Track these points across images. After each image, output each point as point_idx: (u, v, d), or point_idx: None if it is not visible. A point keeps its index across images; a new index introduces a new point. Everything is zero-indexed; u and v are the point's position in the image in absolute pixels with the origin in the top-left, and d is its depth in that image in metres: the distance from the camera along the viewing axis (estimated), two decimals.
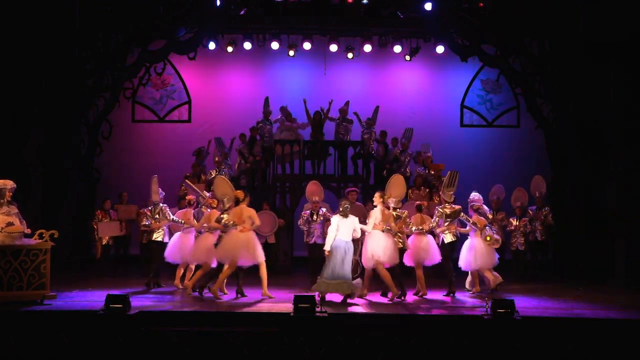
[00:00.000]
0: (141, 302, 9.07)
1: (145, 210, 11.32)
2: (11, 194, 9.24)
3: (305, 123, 14.87)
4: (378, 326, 8.29)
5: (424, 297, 10.23)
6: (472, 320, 8.32)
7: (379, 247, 9.84)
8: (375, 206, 10.18)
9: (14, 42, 12.25)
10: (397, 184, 10.50)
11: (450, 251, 10.68)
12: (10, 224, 8.97)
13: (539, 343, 8.01)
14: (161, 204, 11.18)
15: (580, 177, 13.03)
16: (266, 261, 10.15)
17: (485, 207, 11.10)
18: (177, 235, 11.09)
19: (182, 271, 11.01)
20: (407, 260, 10.38)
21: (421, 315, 8.64)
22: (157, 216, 11.10)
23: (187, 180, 12.48)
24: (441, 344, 8.04)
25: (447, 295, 10.38)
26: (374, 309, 9.12)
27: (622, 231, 12.02)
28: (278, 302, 9.43)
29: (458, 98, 16.64)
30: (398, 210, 10.37)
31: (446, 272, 10.60)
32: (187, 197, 11.52)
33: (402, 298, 9.98)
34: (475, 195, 10.97)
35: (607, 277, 12.12)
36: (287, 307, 8.53)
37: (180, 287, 10.82)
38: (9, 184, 9.22)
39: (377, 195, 10.27)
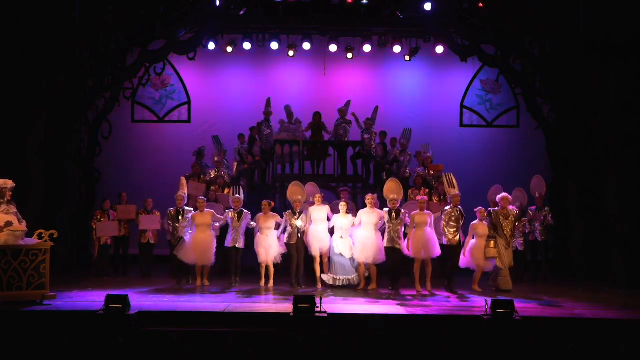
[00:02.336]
0: (141, 302, 9.06)
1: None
2: (11, 193, 9.24)
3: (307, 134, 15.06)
4: (378, 326, 8.28)
5: (419, 292, 10.61)
6: (471, 320, 8.31)
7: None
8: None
9: (14, 42, 12.24)
10: (390, 188, 11.21)
11: (450, 252, 10.84)
12: (9, 223, 8.97)
13: (539, 343, 8.01)
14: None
15: (580, 177, 13.02)
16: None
17: (512, 207, 11.22)
18: (191, 236, 11.24)
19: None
20: (408, 253, 10.90)
21: (421, 315, 8.63)
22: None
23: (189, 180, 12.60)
24: (441, 344, 8.04)
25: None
26: (374, 309, 9.11)
27: (622, 231, 12.01)
28: (278, 302, 9.44)
29: (458, 98, 16.63)
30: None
31: (446, 271, 11.07)
32: (199, 199, 11.63)
33: (392, 291, 10.65)
34: (499, 196, 11.19)
35: (607, 277, 12.13)
36: (287, 307, 8.53)
37: (207, 283, 11.21)
38: (9, 183, 9.22)
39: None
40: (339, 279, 11.07)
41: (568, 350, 7.97)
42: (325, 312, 8.19)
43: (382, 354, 8.00)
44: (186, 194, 11.81)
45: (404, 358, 8.01)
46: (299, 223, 11.01)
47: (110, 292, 8.30)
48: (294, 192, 11.36)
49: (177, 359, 7.93)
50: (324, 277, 11.18)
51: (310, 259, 11.31)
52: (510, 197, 11.15)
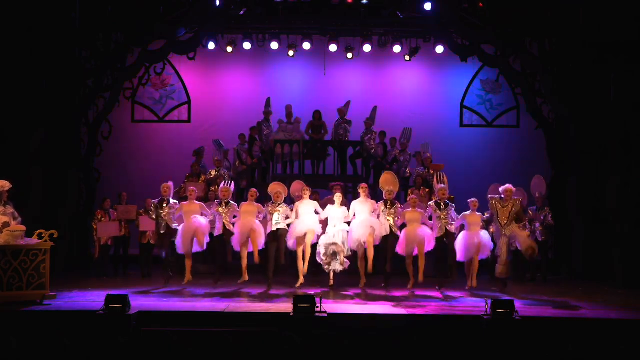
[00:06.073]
0: (141, 302, 9.06)
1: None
2: (7, 194, 9.23)
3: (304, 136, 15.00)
4: (378, 326, 8.28)
5: (411, 291, 10.62)
6: (471, 320, 8.31)
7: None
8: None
9: (14, 42, 12.24)
10: (386, 180, 11.28)
11: (441, 243, 10.87)
12: (6, 224, 8.96)
13: (539, 343, 8.01)
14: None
15: (580, 177, 13.03)
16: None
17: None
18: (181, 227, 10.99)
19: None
20: (399, 250, 10.84)
21: (420, 315, 8.63)
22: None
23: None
24: (441, 344, 8.05)
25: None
26: (374, 309, 9.11)
27: (622, 231, 12.01)
28: (278, 302, 9.44)
29: (458, 98, 16.65)
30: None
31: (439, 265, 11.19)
32: (189, 189, 11.50)
33: (385, 288, 10.80)
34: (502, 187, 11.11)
35: (607, 277, 12.13)
36: (287, 307, 8.53)
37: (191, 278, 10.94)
38: (7, 185, 9.20)
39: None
40: (330, 261, 10.78)
41: (568, 350, 7.96)
42: (325, 312, 8.18)
43: (382, 354, 8.00)
44: (172, 187, 11.45)
45: (404, 358, 8.01)
46: (277, 216, 10.82)
47: (110, 292, 8.29)
48: (274, 187, 11.20)
49: (177, 359, 7.93)
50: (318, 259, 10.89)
51: (292, 257, 11.13)
52: (513, 189, 11.06)
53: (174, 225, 11.06)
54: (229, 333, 8.02)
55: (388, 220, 10.84)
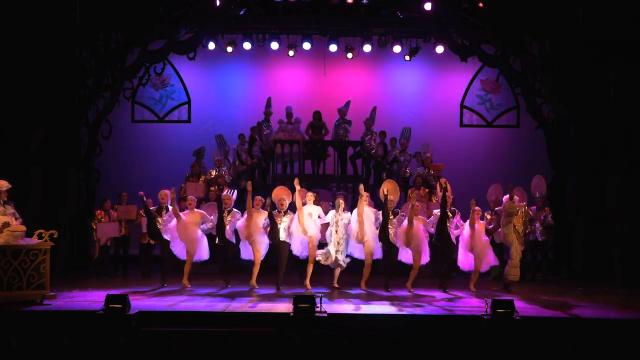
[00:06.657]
0: (141, 302, 9.07)
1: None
2: (7, 194, 9.23)
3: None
4: (378, 326, 8.28)
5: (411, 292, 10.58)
6: (471, 320, 8.32)
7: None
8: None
9: (14, 42, 12.24)
10: (387, 189, 11.04)
11: (442, 251, 10.84)
12: (6, 224, 8.97)
13: (539, 343, 8.01)
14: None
15: (580, 177, 13.03)
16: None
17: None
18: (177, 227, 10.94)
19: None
20: (403, 257, 10.84)
21: (420, 315, 8.63)
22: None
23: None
24: (440, 344, 8.05)
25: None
26: (373, 309, 9.11)
27: (622, 231, 12.01)
28: (278, 302, 9.44)
29: (458, 98, 16.64)
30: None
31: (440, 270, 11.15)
32: (188, 198, 11.50)
33: (387, 291, 10.60)
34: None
35: (607, 277, 12.13)
36: (287, 307, 8.54)
37: (188, 285, 10.86)
38: (4, 185, 9.20)
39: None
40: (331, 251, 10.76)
41: (568, 350, 7.96)
42: (325, 312, 8.19)
43: (382, 354, 8.00)
44: (169, 195, 11.24)
45: (404, 358, 8.01)
46: (284, 222, 10.80)
47: (110, 292, 8.30)
48: (279, 193, 11.12)
49: (177, 359, 7.93)
50: (319, 253, 10.86)
51: (298, 262, 11.13)
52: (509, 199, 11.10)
53: (165, 236, 10.97)
54: (229, 333, 8.03)
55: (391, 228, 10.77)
